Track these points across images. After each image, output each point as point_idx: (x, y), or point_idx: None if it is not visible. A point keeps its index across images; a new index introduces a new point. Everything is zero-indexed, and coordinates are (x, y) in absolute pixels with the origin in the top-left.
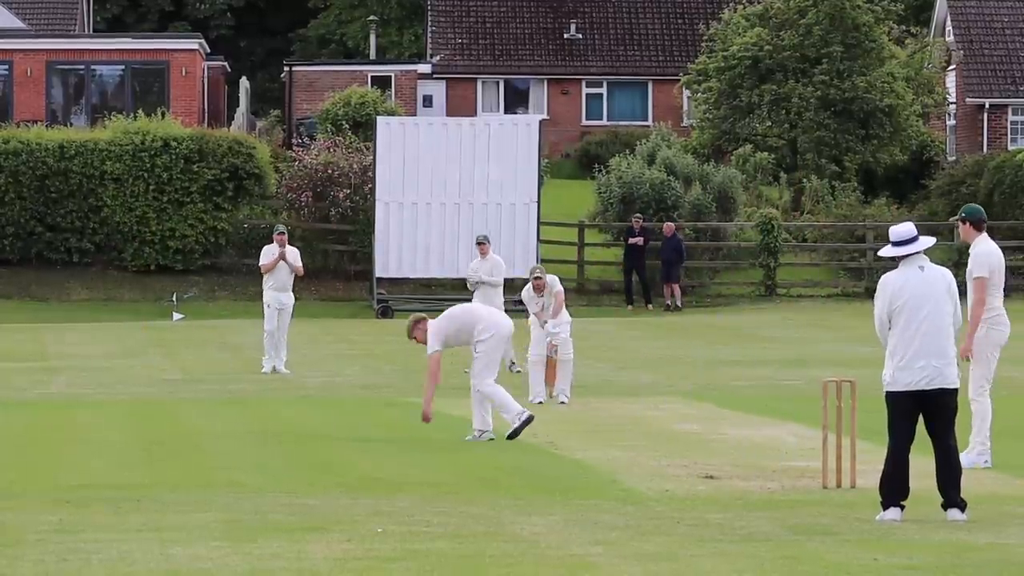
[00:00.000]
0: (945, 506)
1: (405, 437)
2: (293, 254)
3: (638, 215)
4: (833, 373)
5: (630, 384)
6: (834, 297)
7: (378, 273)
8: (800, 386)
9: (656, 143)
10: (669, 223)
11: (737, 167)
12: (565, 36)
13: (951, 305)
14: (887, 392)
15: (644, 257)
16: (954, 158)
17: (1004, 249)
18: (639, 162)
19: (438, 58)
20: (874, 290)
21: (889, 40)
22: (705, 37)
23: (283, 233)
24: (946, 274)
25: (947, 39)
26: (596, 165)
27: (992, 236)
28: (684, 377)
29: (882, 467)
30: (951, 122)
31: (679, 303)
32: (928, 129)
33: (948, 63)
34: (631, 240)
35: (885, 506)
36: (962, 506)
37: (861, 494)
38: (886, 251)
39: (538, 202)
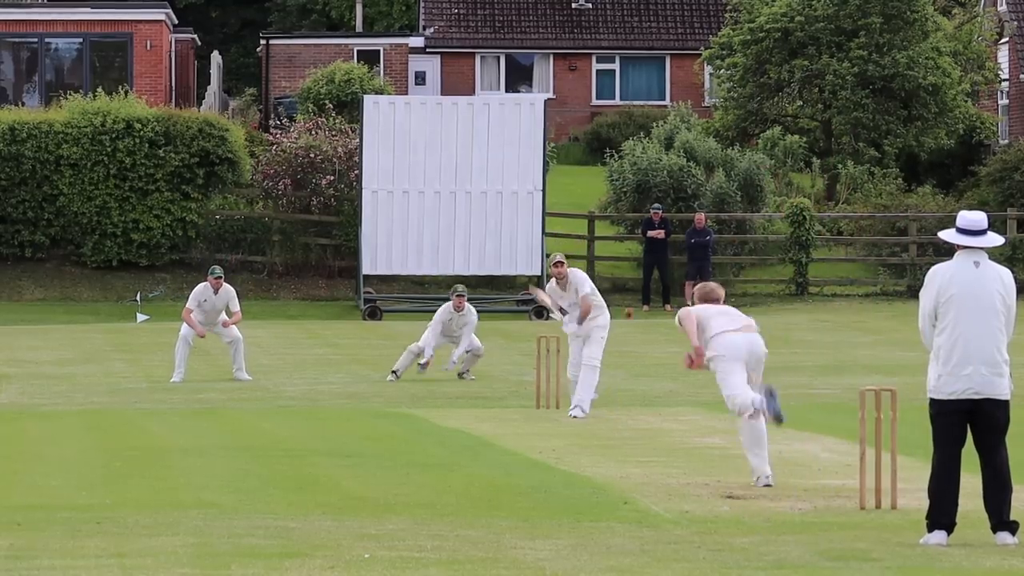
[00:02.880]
0: (994, 529)
1: (395, 452)
2: (228, 297)
3: (656, 205)
4: (872, 381)
5: (645, 393)
6: (872, 296)
7: (365, 270)
8: (835, 395)
9: (674, 125)
10: (700, 214)
11: (765, 152)
12: (573, 6)
13: (1005, 308)
14: (931, 400)
15: (667, 252)
16: (1006, 141)
17: None
18: (655, 146)
19: (432, 30)
20: (917, 289)
21: (934, 10)
22: (729, 7)
23: (219, 277)
24: (1004, 274)
25: (999, 9)
26: (608, 150)
27: None
28: (705, 386)
29: (927, 484)
30: (1003, 101)
31: None
32: (977, 109)
33: (1000, 36)
34: (651, 233)
35: (930, 528)
36: (1013, 528)
37: (903, 515)
38: (949, 235)
39: (543, 191)
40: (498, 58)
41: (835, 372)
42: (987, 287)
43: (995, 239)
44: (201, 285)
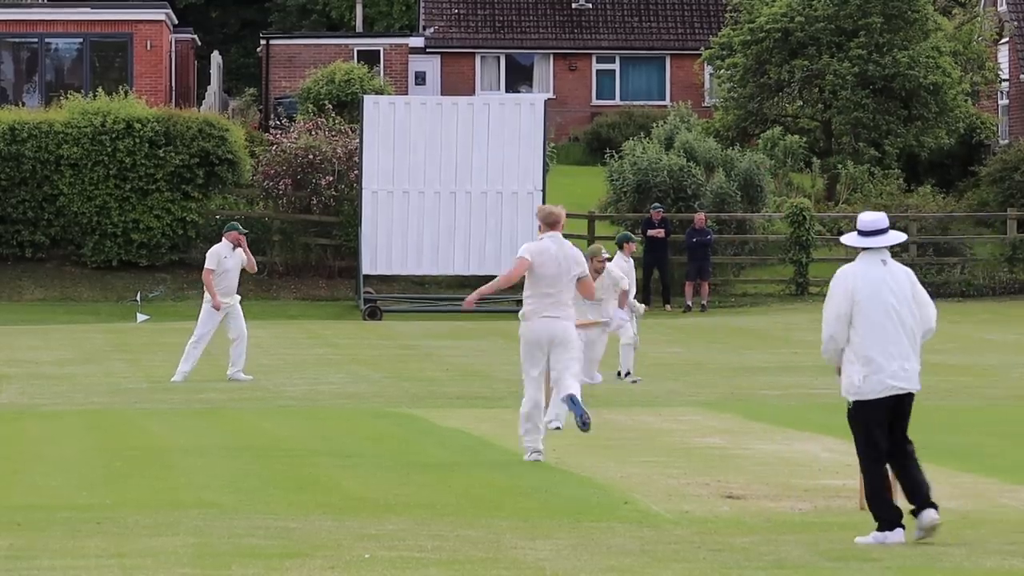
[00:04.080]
0: (917, 511)
1: (395, 452)
2: (243, 256)
3: (657, 205)
4: None
5: (646, 393)
6: None
7: (365, 270)
8: (835, 395)
9: (674, 125)
10: (700, 214)
11: (765, 152)
12: (573, 6)
13: (917, 304)
14: (856, 402)
15: (667, 251)
16: (1006, 141)
17: None
18: (655, 146)
19: (432, 30)
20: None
21: (934, 10)
22: (729, 7)
23: (244, 233)
24: (910, 273)
25: (999, 9)
26: (608, 150)
27: None
28: (705, 385)
29: (869, 486)
30: (1003, 102)
31: (704, 302)
32: (977, 109)
33: (1000, 36)
34: (650, 232)
35: (891, 527)
36: (936, 506)
37: (904, 516)
38: (850, 239)
39: (543, 191)
40: (498, 58)
41: (832, 372)
42: (899, 284)
43: (898, 236)
44: (219, 244)
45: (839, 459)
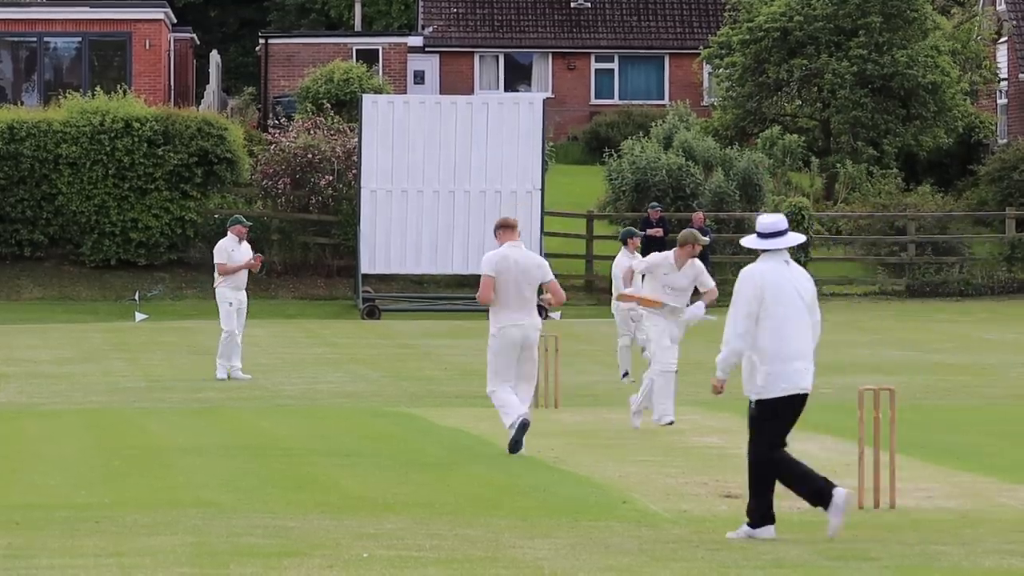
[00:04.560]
0: (826, 500)
1: (394, 451)
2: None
3: (655, 203)
4: (871, 380)
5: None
6: (871, 296)
7: (364, 269)
8: (834, 395)
9: (673, 124)
10: (698, 213)
11: (763, 151)
12: (572, 5)
13: (813, 305)
14: (758, 400)
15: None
16: (1005, 141)
17: None
18: (654, 145)
19: (431, 30)
20: (917, 288)
21: (933, 9)
22: (728, 6)
23: (248, 225)
24: (806, 274)
25: (997, 8)
26: (606, 149)
27: None
28: (703, 385)
29: (753, 487)
30: (1002, 101)
31: (703, 302)
32: (976, 109)
33: (999, 35)
34: (648, 231)
35: (761, 523)
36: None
37: (901, 515)
38: (750, 241)
39: (542, 190)
40: (497, 57)
41: (834, 371)
42: (800, 285)
43: (796, 238)
44: (224, 239)
45: (838, 459)
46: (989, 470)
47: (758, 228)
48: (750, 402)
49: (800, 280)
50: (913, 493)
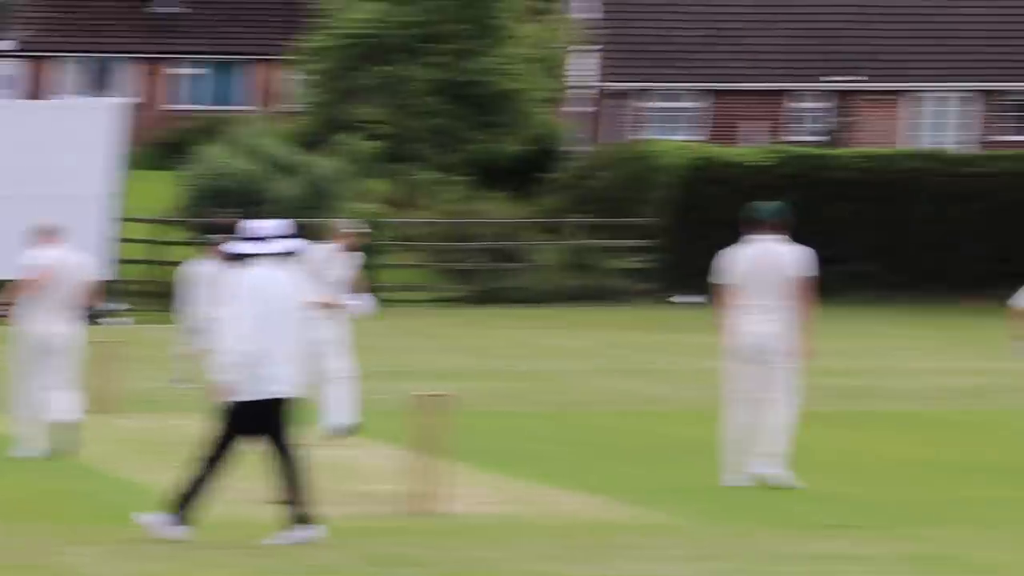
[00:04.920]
0: (299, 521)
1: None
2: None
3: (222, 211)
4: (434, 387)
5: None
6: (438, 303)
7: None
8: (391, 401)
9: (252, 130)
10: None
11: (343, 157)
12: (157, 10)
13: (298, 314)
14: (239, 403)
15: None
16: (584, 148)
17: (622, 249)
18: (231, 151)
19: (22, 35)
20: (482, 295)
21: (515, 17)
22: (316, 13)
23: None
24: (300, 282)
25: (577, 16)
26: (184, 154)
27: (615, 236)
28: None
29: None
30: (581, 109)
31: None
32: (554, 117)
33: (581, 43)
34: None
35: (181, 523)
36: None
37: (450, 520)
38: (239, 247)
39: (114, 195)
40: (81, 62)
41: (396, 377)
42: (288, 289)
43: (289, 246)
44: None
45: (391, 465)
46: (545, 477)
47: (246, 234)
48: (225, 402)
49: (285, 283)
50: (465, 499)
